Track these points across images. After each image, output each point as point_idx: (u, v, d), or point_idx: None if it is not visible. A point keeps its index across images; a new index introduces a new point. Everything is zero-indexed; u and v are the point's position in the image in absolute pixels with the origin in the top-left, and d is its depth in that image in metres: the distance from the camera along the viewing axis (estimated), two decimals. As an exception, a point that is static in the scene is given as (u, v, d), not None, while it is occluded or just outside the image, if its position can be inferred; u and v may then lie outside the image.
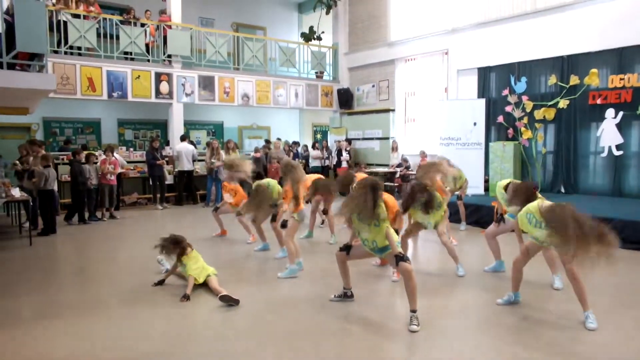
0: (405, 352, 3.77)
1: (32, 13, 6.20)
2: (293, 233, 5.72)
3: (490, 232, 5.72)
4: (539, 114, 10.39)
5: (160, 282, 5.36)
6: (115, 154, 10.52)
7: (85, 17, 11.13)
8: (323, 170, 14.03)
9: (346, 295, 4.77)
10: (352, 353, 3.65)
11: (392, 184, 12.73)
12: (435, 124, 12.01)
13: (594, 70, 9.46)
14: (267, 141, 14.06)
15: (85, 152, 9.78)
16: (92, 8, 11.43)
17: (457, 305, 4.74)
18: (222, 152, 12.05)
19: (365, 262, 5.76)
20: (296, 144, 15.53)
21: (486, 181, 10.75)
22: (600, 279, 5.62)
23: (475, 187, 10.32)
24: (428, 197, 5.39)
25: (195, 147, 12.93)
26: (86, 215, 9.62)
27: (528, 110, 10.58)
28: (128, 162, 11.82)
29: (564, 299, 4.78)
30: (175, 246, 5.25)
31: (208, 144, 12.76)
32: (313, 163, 14.52)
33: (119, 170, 10.53)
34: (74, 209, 9.45)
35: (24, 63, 6.63)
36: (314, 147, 15.01)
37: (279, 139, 14.56)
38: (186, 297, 4.84)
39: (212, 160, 11.86)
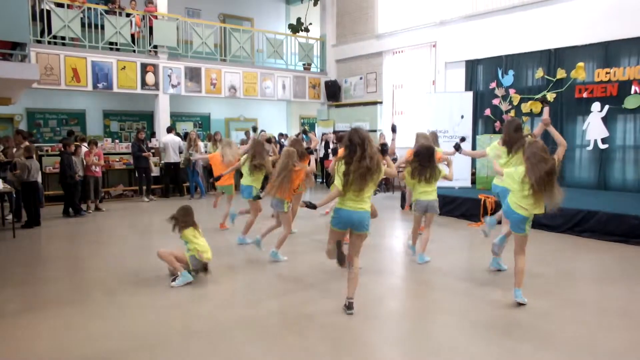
0: (393, 345, 3.78)
1: (13, 1, 6.07)
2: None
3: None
4: (525, 107, 10.46)
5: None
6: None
7: (69, 7, 10.91)
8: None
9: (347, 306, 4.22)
10: (341, 346, 3.65)
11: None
12: (423, 116, 12.02)
13: (581, 63, 9.54)
14: (247, 133, 13.98)
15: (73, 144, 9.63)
16: (76, -3, 11.21)
17: (437, 300, 4.77)
18: (200, 144, 11.95)
19: (367, 262, 5.73)
20: (283, 136, 15.45)
21: (473, 174, 10.80)
22: (587, 271, 5.71)
23: (462, 180, 10.36)
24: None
25: (182, 139, 12.81)
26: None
27: (515, 103, 10.65)
28: (113, 153, 11.69)
29: (543, 285, 4.83)
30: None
31: (186, 135, 12.62)
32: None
33: (102, 162, 10.38)
34: (68, 202, 9.34)
35: (6, 52, 6.50)
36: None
37: (263, 131, 14.46)
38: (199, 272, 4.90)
39: (190, 152, 11.71)
